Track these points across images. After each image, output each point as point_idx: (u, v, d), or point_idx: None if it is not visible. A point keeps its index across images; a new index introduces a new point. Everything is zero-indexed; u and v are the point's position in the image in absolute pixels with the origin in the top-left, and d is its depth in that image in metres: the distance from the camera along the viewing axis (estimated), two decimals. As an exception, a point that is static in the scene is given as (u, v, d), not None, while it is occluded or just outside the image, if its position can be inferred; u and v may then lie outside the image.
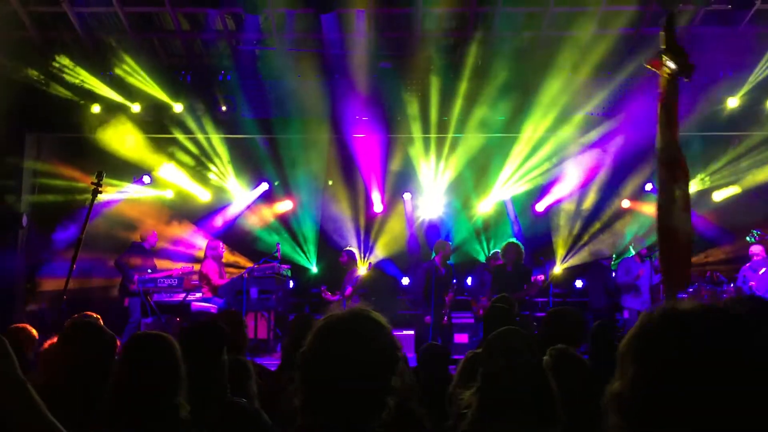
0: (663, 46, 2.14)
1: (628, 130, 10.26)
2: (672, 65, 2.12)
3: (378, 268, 12.14)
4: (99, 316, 4.51)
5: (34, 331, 5.17)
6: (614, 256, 11.80)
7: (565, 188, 12.02)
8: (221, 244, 10.78)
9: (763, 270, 9.74)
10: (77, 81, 10.56)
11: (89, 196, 5.86)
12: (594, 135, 10.79)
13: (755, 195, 11.20)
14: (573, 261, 12.11)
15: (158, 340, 2.74)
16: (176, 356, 2.69)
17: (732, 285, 9.87)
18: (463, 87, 10.52)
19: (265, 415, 3.12)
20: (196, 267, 10.65)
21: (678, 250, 1.97)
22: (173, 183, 12.05)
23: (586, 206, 12.20)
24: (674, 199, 2.06)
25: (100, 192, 5.82)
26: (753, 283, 9.69)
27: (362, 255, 12.40)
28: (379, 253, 12.49)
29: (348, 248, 11.25)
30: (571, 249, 12.18)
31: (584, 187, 11.98)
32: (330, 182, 12.58)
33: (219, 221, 12.21)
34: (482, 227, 12.56)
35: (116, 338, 3.25)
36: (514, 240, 9.84)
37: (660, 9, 9.78)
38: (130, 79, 10.69)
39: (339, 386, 1.81)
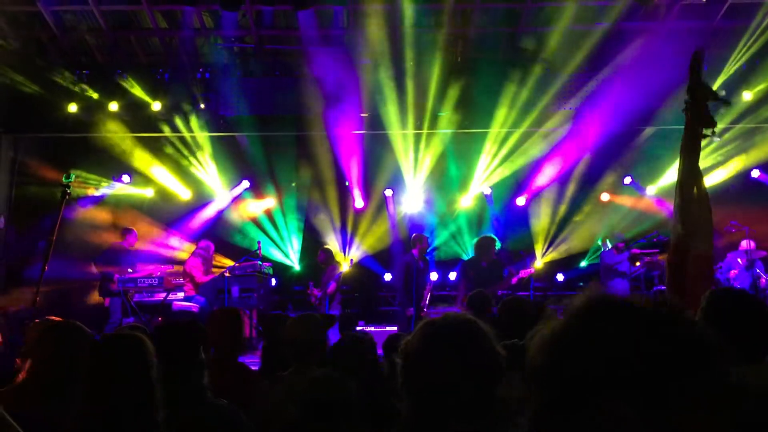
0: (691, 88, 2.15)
1: (605, 124, 10.36)
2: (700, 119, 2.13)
3: (360, 264, 12.18)
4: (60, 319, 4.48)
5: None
6: (590, 251, 11.97)
7: (543, 181, 12.11)
8: (211, 245, 10.73)
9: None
10: (54, 80, 10.47)
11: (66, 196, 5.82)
12: (567, 127, 10.89)
13: (732, 187, 11.33)
14: (553, 255, 12.20)
15: (129, 341, 2.66)
16: (147, 357, 2.61)
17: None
18: (442, 83, 10.55)
19: (243, 416, 3.10)
20: (177, 268, 10.61)
21: (689, 273, 1.93)
22: (153, 181, 12.00)
23: (565, 199, 12.30)
24: (694, 219, 2.03)
25: (69, 193, 5.76)
26: (733, 273, 9.80)
27: (344, 251, 12.44)
28: (362, 249, 12.51)
29: (325, 246, 11.30)
30: (552, 243, 12.26)
31: (562, 179, 12.08)
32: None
33: (197, 222, 12.16)
34: (463, 221, 12.61)
35: (94, 337, 3.23)
36: (487, 234, 9.88)
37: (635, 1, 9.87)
38: (107, 78, 10.62)
39: (446, 394, 1.77)
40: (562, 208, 12.31)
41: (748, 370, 2.30)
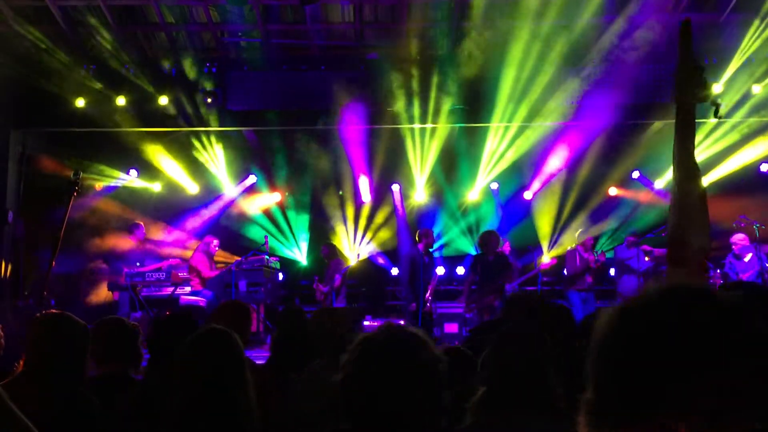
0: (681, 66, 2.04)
1: (612, 117, 10.32)
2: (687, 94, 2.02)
3: (368, 258, 12.20)
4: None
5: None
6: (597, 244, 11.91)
7: (549, 175, 12.08)
8: (215, 240, 10.75)
9: (750, 256, 9.77)
10: (62, 75, 10.49)
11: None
12: (574, 121, 10.84)
13: (740, 181, 11.27)
14: (560, 249, 12.15)
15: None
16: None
17: (719, 271, 9.94)
18: (449, 76, 10.52)
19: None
20: (184, 262, 10.66)
21: (689, 266, 1.87)
22: (161, 175, 12.05)
23: (571, 193, 12.26)
24: (690, 211, 1.94)
25: (77, 190, 5.76)
26: (742, 272, 9.72)
27: (352, 246, 12.47)
28: (369, 243, 12.53)
29: (328, 241, 11.34)
30: (559, 236, 12.24)
31: (569, 172, 12.05)
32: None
33: (204, 217, 12.20)
34: (468, 216, 12.61)
35: (87, 328, 3.27)
36: (490, 229, 9.90)
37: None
38: (114, 73, 10.64)
39: (387, 411, 1.74)
40: (569, 202, 12.28)
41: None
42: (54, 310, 3.39)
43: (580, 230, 10.70)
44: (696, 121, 2.09)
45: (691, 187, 1.98)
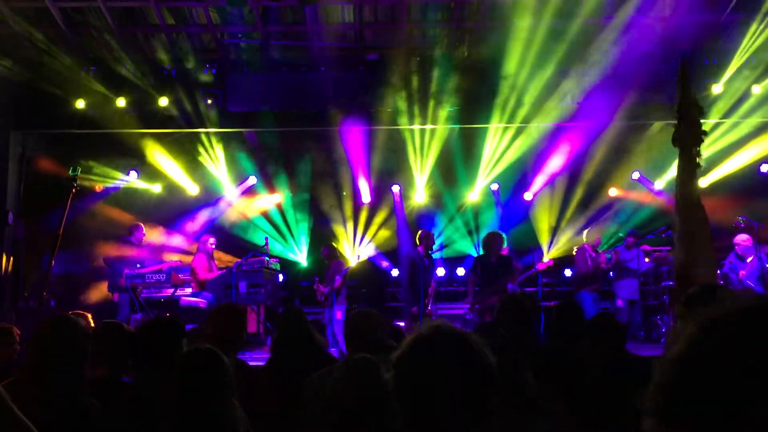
0: (679, 100, 2.09)
1: (611, 118, 10.32)
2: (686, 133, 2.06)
3: (368, 260, 12.20)
4: (89, 315, 4.50)
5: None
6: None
7: (549, 176, 12.08)
8: (211, 239, 10.75)
9: (751, 258, 9.75)
10: (62, 77, 10.49)
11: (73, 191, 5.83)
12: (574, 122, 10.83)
13: (740, 182, 11.27)
14: (560, 250, 12.16)
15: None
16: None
17: (719, 272, 9.91)
18: (448, 78, 10.53)
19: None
20: (184, 263, 10.65)
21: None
22: (161, 177, 12.05)
23: (571, 194, 12.26)
24: (696, 247, 1.95)
25: (76, 187, 5.77)
26: (743, 272, 9.70)
27: (352, 247, 12.47)
28: (370, 245, 12.53)
29: (328, 242, 11.36)
30: (558, 237, 12.23)
31: (568, 174, 12.05)
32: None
33: (203, 218, 12.20)
34: (468, 217, 12.61)
35: (89, 330, 3.28)
36: (494, 230, 9.90)
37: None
38: (115, 74, 10.65)
39: (437, 409, 1.79)
40: (569, 203, 12.28)
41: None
42: (65, 313, 3.40)
43: (587, 230, 10.72)
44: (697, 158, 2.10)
45: (695, 223, 2.00)
